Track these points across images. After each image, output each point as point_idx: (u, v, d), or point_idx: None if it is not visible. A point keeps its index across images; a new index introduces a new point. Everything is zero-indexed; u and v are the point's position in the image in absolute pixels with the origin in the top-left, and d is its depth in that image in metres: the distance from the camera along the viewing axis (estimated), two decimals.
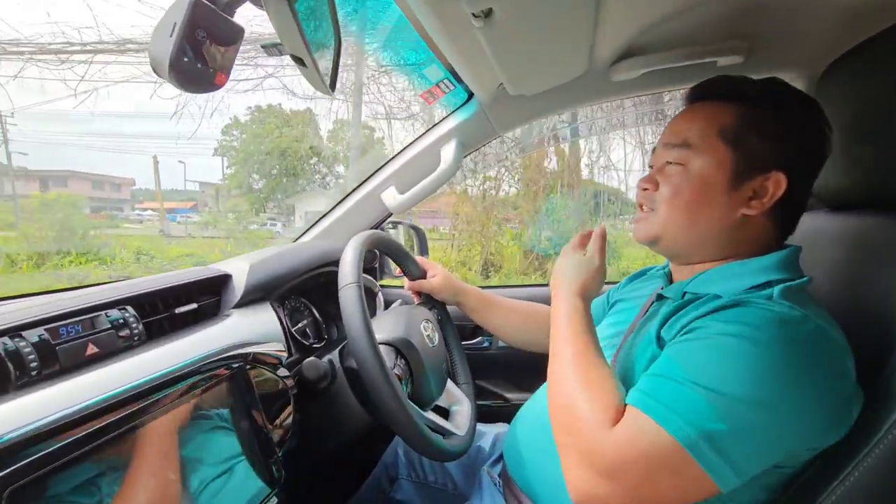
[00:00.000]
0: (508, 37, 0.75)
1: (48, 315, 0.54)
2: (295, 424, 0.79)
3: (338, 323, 1.08)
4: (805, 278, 0.60)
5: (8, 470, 0.41)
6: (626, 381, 0.63)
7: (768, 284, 0.59)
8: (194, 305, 0.75)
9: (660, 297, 0.73)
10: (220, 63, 0.51)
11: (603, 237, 0.77)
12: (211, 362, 0.67)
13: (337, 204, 1.30)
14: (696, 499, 0.50)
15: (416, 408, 0.77)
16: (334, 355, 0.87)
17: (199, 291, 0.78)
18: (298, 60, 0.47)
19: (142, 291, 0.68)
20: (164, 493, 0.55)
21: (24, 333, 0.51)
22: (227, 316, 0.78)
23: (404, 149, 1.23)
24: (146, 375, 0.57)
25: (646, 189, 0.70)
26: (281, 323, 0.87)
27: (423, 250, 1.42)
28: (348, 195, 1.29)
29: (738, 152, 0.63)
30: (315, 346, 0.98)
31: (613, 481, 0.50)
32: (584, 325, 0.66)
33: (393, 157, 1.24)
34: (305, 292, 1.04)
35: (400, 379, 0.81)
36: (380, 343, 0.78)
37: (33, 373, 0.50)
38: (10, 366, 0.48)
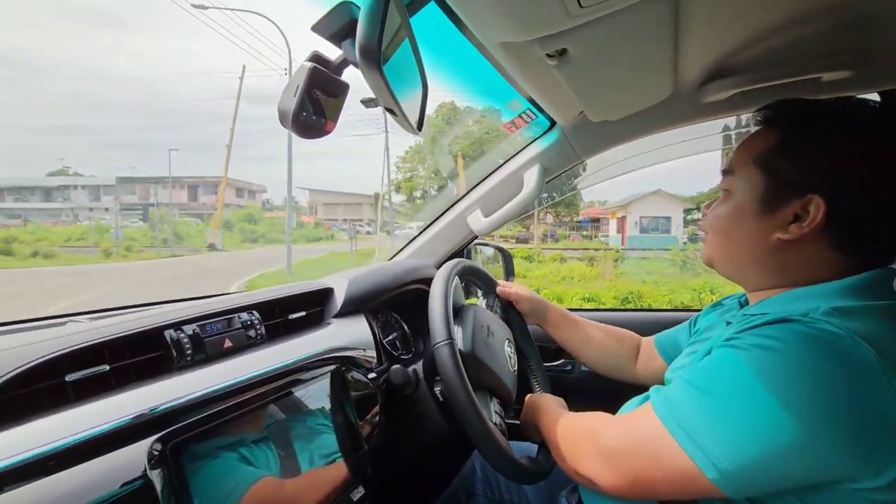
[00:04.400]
0: (585, 71, 0.79)
1: (199, 314, 0.69)
2: (381, 425, 0.88)
3: (424, 338, 1.17)
4: (882, 302, 0.56)
5: (170, 429, 0.54)
6: None
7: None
8: (303, 313, 0.88)
9: (728, 325, 0.71)
10: (330, 114, 0.63)
11: None
12: (315, 361, 0.79)
13: (427, 226, 1.41)
14: (689, 491, 0.54)
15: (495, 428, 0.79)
16: (418, 366, 0.95)
17: (308, 301, 0.91)
18: (390, 111, 0.56)
19: (264, 299, 0.82)
20: (281, 468, 0.66)
21: (183, 327, 0.66)
22: (329, 324, 0.91)
23: (490, 174, 1.30)
24: (266, 367, 0.71)
25: (704, 215, 0.74)
26: (373, 333, 0.98)
27: (510, 271, 1.47)
28: (438, 218, 1.39)
29: (769, 177, 0.63)
30: (403, 356, 1.08)
31: (609, 465, 0.60)
32: None
33: (479, 183, 1.32)
34: (396, 307, 1.14)
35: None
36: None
37: (188, 358, 0.65)
38: (174, 351, 0.63)
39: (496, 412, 0.85)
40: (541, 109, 1.06)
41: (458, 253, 1.39)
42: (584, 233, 26.78)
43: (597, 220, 27.60)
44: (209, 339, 0.68)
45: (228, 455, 0.59)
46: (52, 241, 22.47)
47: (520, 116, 1.09)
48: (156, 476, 0.50)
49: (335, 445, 0.76)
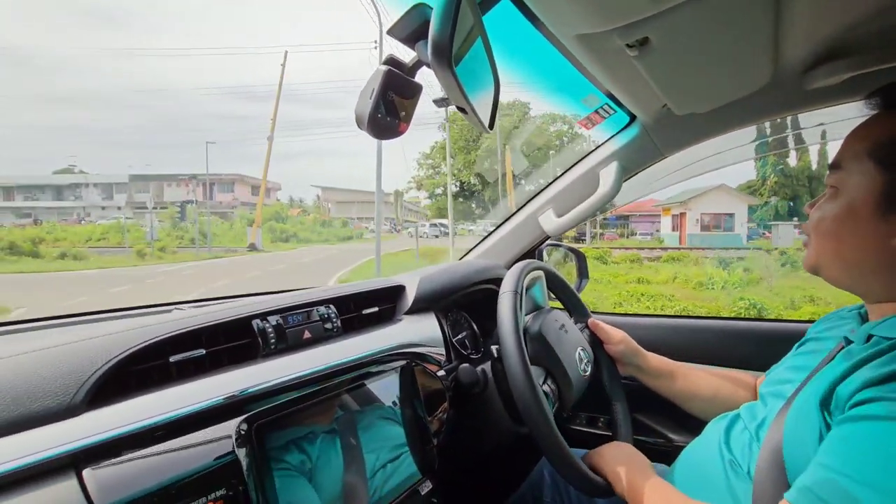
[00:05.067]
0: (669, 61, 0.75)
1: (282, 306, 0.74)
2: (448, 422, 0.89)
3: (494, 338, 1.16)
4: None
5: (255, 411, 0.58)
6: (790, 446, 0.56)
7: None
8: (376, 308, 0.91)
9: (847, 342, 0.62)
10: (404, 115, 0.65)
11: None
12: (386, 356, 0.82)
13: (498, 226, 1.40)
14: None
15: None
16: (487, 366, 0.95)
17: (380, 298, 0.95)
18: (462, 110, 0.56)
19: (341, 294, 0.86)
20: (350, 456, 0.69)
21: (268, 318, 0.71)
22: (400, 320, 0.93)
23: (563, 173, 1.27)
24: (341, 359, 0.74)
25: (807, 214, 0.66)
26: (443, 331, 0.99)
27: (583, 273, 1.42)
28: (509, 218, 1.38)
29: (889, 171, 0.55)
30: (472, 356, 1.08)
31: None
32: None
33: (552, 182, 1.28)
34: (466, 306, 1.15)
35: (547, 396, 0.84)
36: (532, 364, 0.82)
37: (272, 346, 0.69)
38: (260, 339, 0.68)
39: (548, 391, 0.84)
40: (619, 104, 1.01)
41: (528, 254, 1.36)
42: (617, 230, 25.44)
43: (625, 218, 26.29)
44: (290, 329, 0.73)
45: (305, 440, 0.63)
46: (72, 241, 21.40)
47: (596, 112, 1.05)
48: (242, 454, 0.54)
49: (403, 439, 0.78)
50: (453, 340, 1.03)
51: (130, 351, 0.54)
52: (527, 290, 0.96)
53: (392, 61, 0.62)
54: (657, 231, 24.24)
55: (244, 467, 0.54)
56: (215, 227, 23.54)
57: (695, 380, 0.97)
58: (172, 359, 0.59)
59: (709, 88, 0.91)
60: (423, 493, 0.79)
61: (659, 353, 1.01)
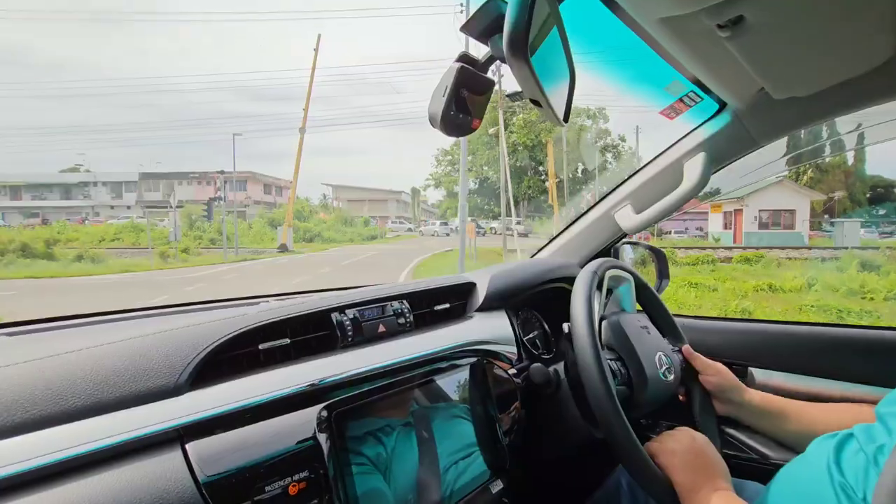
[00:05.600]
0: (767, 40, 0.68)
1: (358, 300, 0.78)
2: (520, 422, 0.88)
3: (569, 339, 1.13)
4: None
5: (335, 399, 0.61)
6: None
7: None
8: (447, 305, 0.92)
9: None
10: (476, 111, 0.65)
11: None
12: (457, 352, 0.82)
13: (572, 223, 1.36)
14: None
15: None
16: (559, 366, 0.92)
17: (452, 294, 0.95)
18: (536, 102, 0.55)
19: (413, 290, 0.88)
20: (424, 451, 0.70)
21: (346, 311, 0.74)
22: (471, 317, 0.94)
23: (643, 166, 1.20)
24: (413, 353, 0.76)
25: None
26: (514, 330, 0.98)
27: (664, 273, 1.33)
28: (583, 214, 1.33)
29: None
30: (544, 356, 1.06)
31: None
32: None
33: (630, 176, 1.22)
34: (538, 305, 1.13)
35: (615, 375, 0.81)
36: (608, 357, 0.79)
37: (349, 339, 0.72)
38: (338, 332, 0.72)
39: (616, 369, 0.81)
40: (707, 90, 0.94)
41: (604, 252, 1.31)
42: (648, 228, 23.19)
43: None
44: (366, 323, 0.75)
45: (381, 432, 0.65)
46: (84, 242, 19.89)
47: (681, 100, 0.98)
48: (322, 439, 0.57)
49: (472, 437, 0.78)
50: (524, 339, 1.02)
51: (228, 337, 0.59)
52: (610, 290, 0.92)
53: (465, 58, 0.62)
54: (699, 230, 22.47)
55: (325, 452, 0.57)
56: (230, 228, 21.11)
57: (812, 420, 0.84)
58: (261, 346, 0.63)
59: (814, 68, 0.81)
60: (493, 492, 0.79)
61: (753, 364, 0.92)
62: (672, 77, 0.88)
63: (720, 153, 1.07)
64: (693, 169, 1.07)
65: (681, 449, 0.73)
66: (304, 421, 0.57)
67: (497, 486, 0.79)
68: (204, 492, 0.47)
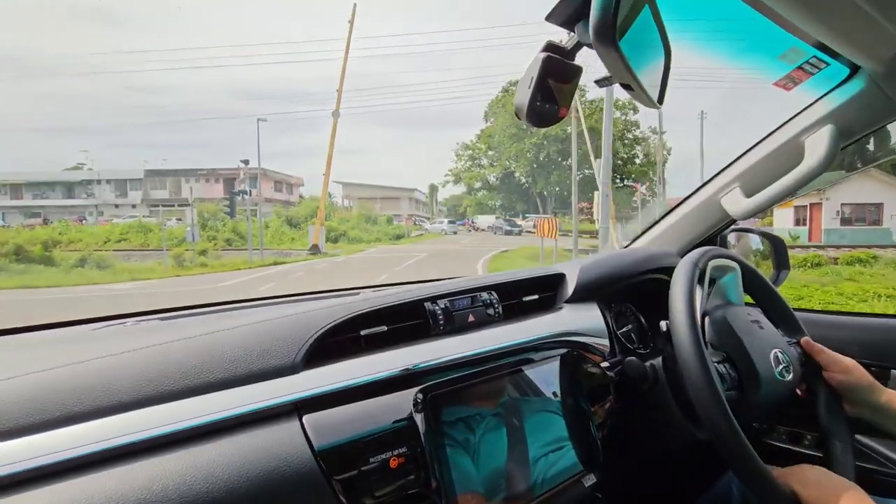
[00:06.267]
0: None
1: (450, 291, 0.81)
2: (613, 416, 0.86)
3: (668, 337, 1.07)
4: None
5: (430, 383, 0.65)
6: None
7: None
8: (536, 296, 0.92)
9: None
10: (563, 100, 0.64)
11: None
12: (546, 343, 0.82)
13: (671, 210, 1.27)
14: None
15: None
16: (657, 361, 0.88)
17: (540, 286, 0.95)
18: (627, 87, 0.53)
19: (502, 281, 0.89)
20: (514, 440, 0.71)
21: (438, 301, 0.78)
22: (560, 308, 0.93)
23: (755, 145, 1.08)
24: (503, 343, 0.77)
25: None
26: (606, 322, 0.95)
27: (783, 264, 1.20)
28: (684, 200, 1.24)
29: None
30: (640, 350, 1.01)
31: None
32: None
33: (739, 157, 1.11)
34: (632, 298, 1.08)
35: (722, 379, 0.75)
36: (713, 359, 0.74)
37: (441, 327, 0.76)
38: (430, 320, 0.75)
39: (724, 372, 0.75)
40: (835, 54, 0.82)
41: (709, 241, 1.21)
42: None
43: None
44: (457, 312, 0.78)
45: (472, 419, 0.68)
46: (87, 244, 17.92)
47: (800, 68, 0.87)
48: (419, 419, 0.61)
49: (562, 429, 0.78)
50: (618, 332, 0.98)
51: (334, 323, 0.65)
52: (714, 280, 0.86)
53: (551, 47, 0.61)
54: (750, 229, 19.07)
55: (421, 432, 0.61)
56: (253, 227, 18.53)
57: None
58: (362, 332, 0.69)
59: None
60: (586, 486, 0.78)
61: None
62: (788, 44, 0.78)
63: (852, 124, 0.93)
64: (817, 144, 0.95)
65: (818, 478, 0.66)
66: (402, 402, 0.62)
67: (590, 480, 0.78)
68: (319, 458, 0.53)
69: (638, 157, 35.47)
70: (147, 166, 33.05)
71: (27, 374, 0.51)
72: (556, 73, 0.61)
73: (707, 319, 0.81)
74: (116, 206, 32.07)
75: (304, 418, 0.56)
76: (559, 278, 0.97)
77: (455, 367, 0.71)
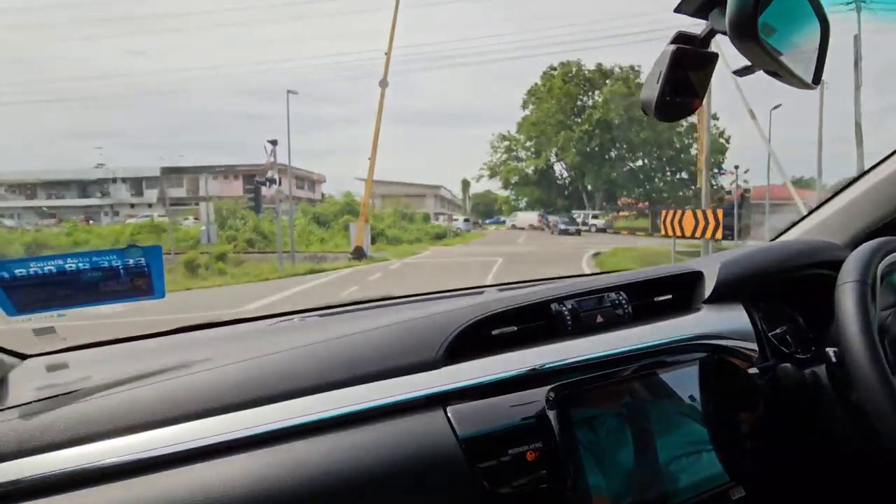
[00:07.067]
0: None
1: (576, 291, 0.81)
2: (764, 428, 0.78)
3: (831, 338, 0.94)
4: None
5: (560, 382, 0.67)
6: None
7: None
8: (669, 296, 0.88)
9: None
10: (697, 90, 0.61)
11: None
12: (682, 346, 0.78)
13: (834, 195, 1.11)
14: None
15: None
16: (820, 369, 0.78)
17: (674, 285, 0.90)
18: (772, 74, 0.49)
19: (631, 281, 0.87)
20: (641, 445, 0.70)
21: (564, 302, 0.79)
22: (698, 309, 0.87)
23: None
24: (633, 345, 0.76)
25: None
26: (754, 324, 0.86)
27: None
28: (852, 182, 1.07)
29: None
30: (798, 355, 0.90)
31: None
32: None
33: None
34: (787, 296, 0.97)
35: None
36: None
37: (568, 328, 0.77)
38: (558, 321, 0.77)
39: None
40: None
41: (884, 231, 1.02)
42: None
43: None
44: (584, 313, 0.79)
45: (598, 420, 0.68)
46: (96, 245, 15.28)
47: None
48: (552, 416, 0.64)
49: (702, 436, 0.74)
50: (769, 335, 0.89)
51: (469, 322, 0.71)
52: (884, 276, 0.74)
53: (680, 38, 0.59)
54: None
55: (554, 428, 0.63)
56: (275, 227, 15.87)
57: None
58: (494, 332, 0.73)
59: None
60: (733, 499, 0.73)
61: None
62: None
63: None
64: None
65: None
66: (535, 399, 0.65)
67: (738, 493, 0.73)
68: (463, 445, 0.59)
69: (693, 147, 30.80)
70: (163, 163, 30.81)
71: (240, 361, 0.64)
72: (689, 64, 0.58)
73: (885, 337, 0.70)
74: (132, 205, 30.30)
75: (449, 409, 0.61)
76: (695, 276, 0.91)
77: (584, 369, 0.71)
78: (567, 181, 36.61)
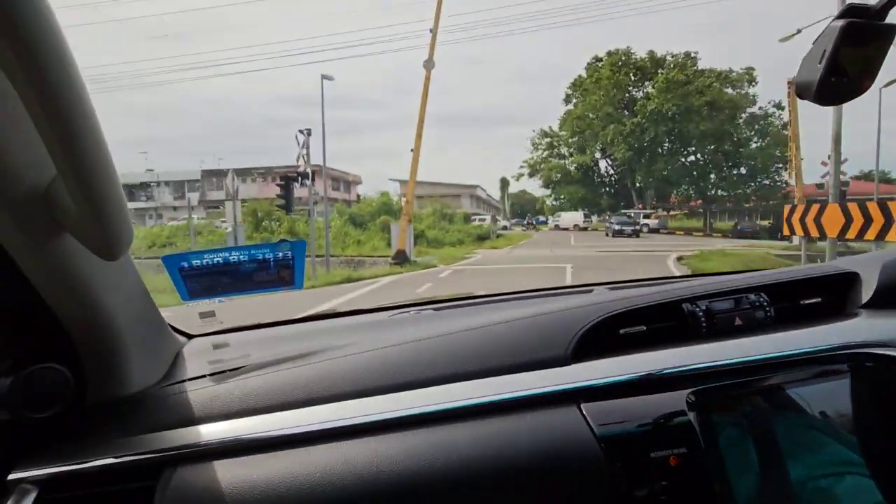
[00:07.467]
0: None
1: (710, 292, 0.76)
2: None
3: None
4: None
5: (706, 386, 0.64)
6: None
7: None
8: (818, 299, 0.79)
9: None
10: (868, 68, 0.55)
11: None
12: (833, 355, 0.70)
13: None
14: None
15: None
16: None
17: (823, 287, 0.81)
18: None
19: (772, 281, 0.80)
20: (789, 460, 0.64)
21: (697, 302, 0.74)
22: (855, 315, 0.78)
23: None
24: (776, 351, 0.69)
25: None
26: None
27: None
28: None
29: None
30: None
31: None
32: None
33: None
34: None
35: None
36: None
37: (702, 329, 0.73)
38: (690, 322, 0.73)
39: None
40: None
41: None
42: None
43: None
44: (720, 315, 0.73)
45: (738, 428, 0.64)
46: (131, 251, 8.60)
47: None
48: (693, 417, 0.61)
49: (858, 464, 0.65)
50: None
51: (595, 321, 0.69)
52: None
53: (850, 11, 0.53)
54: None
55: (698, 433, 0.60)
56: (308, 228, 14.28)
57: None
58: (621, 331, 0.71)
59: None
60: None
61: None
62: None
63: None
64: None
65: None
66: (673, 402, 0.62)
67: None
68: (601, 444, 0.58)
69: (756, 142, 27.88)
70: (204, 166, 31.43)
71: (384, 348, 0.68)
72: (861, 40, 0.53)
73: None
74: (174, 208, 30.55)
75: (583, 405, 0.61)
76: (849, 278, 0.82)
77: (721, 374, 0.66)
78: (613, 178, 34.49)
